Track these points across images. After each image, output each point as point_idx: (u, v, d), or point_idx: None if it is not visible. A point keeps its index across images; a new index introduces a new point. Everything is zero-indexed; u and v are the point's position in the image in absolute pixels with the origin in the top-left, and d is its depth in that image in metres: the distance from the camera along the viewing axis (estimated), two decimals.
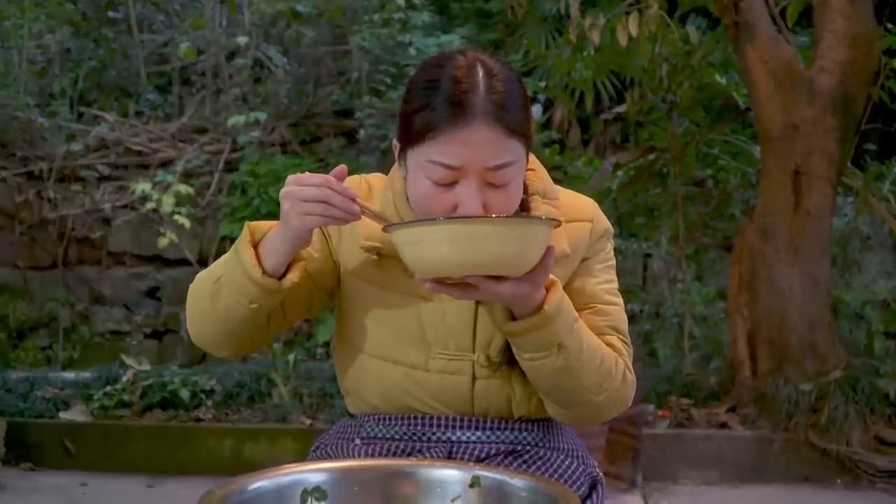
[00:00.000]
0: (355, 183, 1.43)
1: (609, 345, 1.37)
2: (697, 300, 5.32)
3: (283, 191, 1.22)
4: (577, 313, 1.30)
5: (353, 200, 1.22)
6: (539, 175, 1.43)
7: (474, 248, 1.13)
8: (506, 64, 1.31)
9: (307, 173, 1.23)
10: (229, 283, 1.29)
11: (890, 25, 4.63)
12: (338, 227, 1.40)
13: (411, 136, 1.27)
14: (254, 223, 1.31)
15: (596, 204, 1.46)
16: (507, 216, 1.20)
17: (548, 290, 1.25)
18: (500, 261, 1.15)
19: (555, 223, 1.18)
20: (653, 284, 5.95)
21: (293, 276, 1.29)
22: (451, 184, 1.26)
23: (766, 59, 4.24)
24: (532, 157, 1.44)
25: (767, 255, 4.26)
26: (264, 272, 1.27)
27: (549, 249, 1.19)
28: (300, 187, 1.21)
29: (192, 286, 1.37)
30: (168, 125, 6.84)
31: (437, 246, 1.13)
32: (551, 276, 1.25)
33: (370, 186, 1.44)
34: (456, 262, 1.14)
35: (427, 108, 1.25)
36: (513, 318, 1.27)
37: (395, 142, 1.35)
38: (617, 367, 1.35)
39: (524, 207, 1.39)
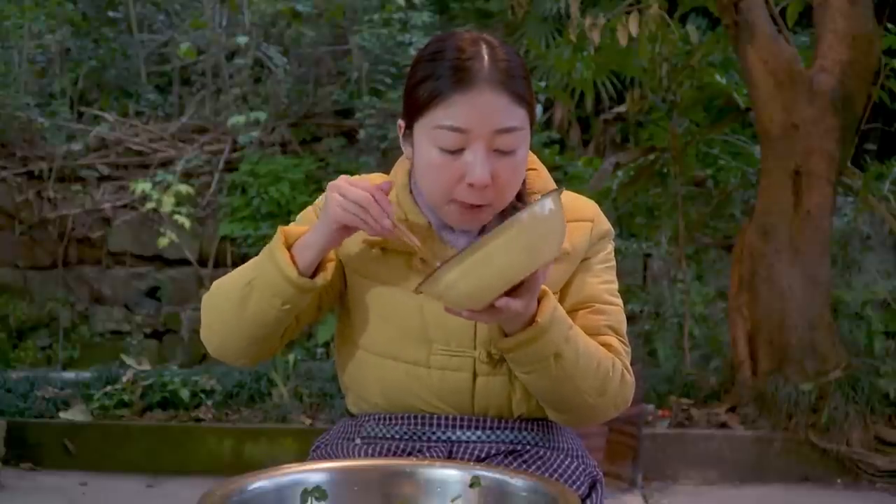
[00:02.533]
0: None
1: (607, 345, 1.37)
2: (697, 300, 5.32)
3: (332, 182, 1.28)
4: (571, 320, 1.31)
5: (390, 218, 1.27)
6: (540, 174, 1.45)
7: (488, 270, 1.14)
8: (506, 43, 1.35)
9: (362, 178, 1.30)
10: (262, 285, 1.31)
11: (890, 25, 4.63)
12: None
13: (417, 107, 1.30)
14: (286, 228, 1.35)
15: (596, 205, 1.47)
16: (503, 227, 1.20)
17: (539, 301, 1.25)
18: (520, 266, 1.16)
19: (559, 194, 1.18)
20: (653, 284, 5.95)
21: (326, 275, 1.33)
22: (459, 151, 1.28)
23: (766, 59, 4.24)
24: (533, 156, 1.45)
25: (767, 255, 4.26)
26: (300, 272, 1.30)
27: (542, 289, 1.23)
28: (348, 185, 1.27)
29: (209, 297, 1.38)
30: (168, 125, 6.83)
31: (460, 283, 1.14)
32: (542, 286, 1.25)
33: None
34: (483, 288, 1.16)
35: (432, 76, 1.28)
36: (505, 335, 1.28)
37: (399, 122, 1.37)
38: (615, 369, 1.35)
39: (521, 200, 1.40)
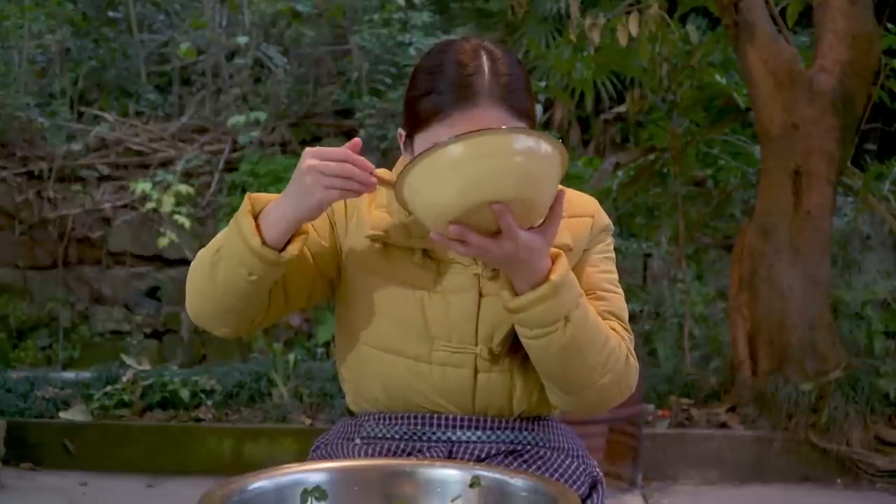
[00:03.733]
0: None
1: (611, 328, 1.37)
2: (697, 300, 5.32)
3: (304, 164, 1.21)
4: (580, 289, 1.29)
5: (371, 173, 1.22)
6: None
7: (484, 166, 1.11)
8: (508, 50, 1.33)
9: (325, 147, 1.23)
10: (228, 254, 1.28)
11: (890, 25, 4.63)
12: (344, 217, 1.40)
13: (418, 121, 1.29)
14: (255, 194, 1.30)
15: (596, 201, 1.47)
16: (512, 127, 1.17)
17: (553, 260, 1.25)
18: (513, 180, 1.12)
19: (560, 147, 1.16)
20: (653, 284, 5.95)
21: (293, 249, 1.28)
22: None
23: (766, 59, 4.24)
24: None
25: (767, 255, 4.26)
26: (264, 243, 1.25)
27: (559, 193, 1.19)
28: (323, 162, 1.21)
29: (192, 263, 1.35)
30: (168, 125, 6.83)
31: (445, 176, 1.12)
32: (554, 248, 1.25)
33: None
34: (470, 192, 1.12)
35: (433, 91, 1.28)
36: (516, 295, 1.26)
37: (399, 131, 1.37)
38: (620, 348, 1.34)
39: None
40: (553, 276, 1.23)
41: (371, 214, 1.39)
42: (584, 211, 1.43)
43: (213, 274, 1.30)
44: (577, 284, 1.29)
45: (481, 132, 1.12)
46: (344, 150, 1.22)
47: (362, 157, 1.23)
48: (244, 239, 1.25)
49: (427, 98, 1.28)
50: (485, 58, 1.29)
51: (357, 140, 1.25)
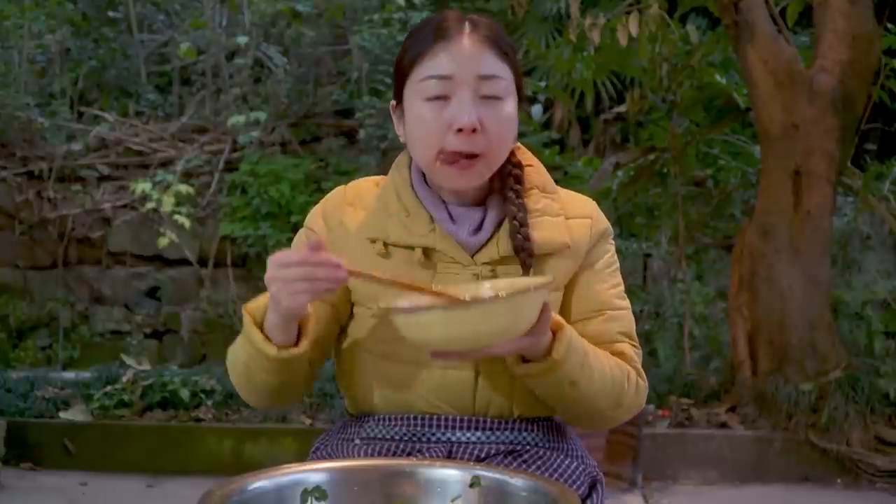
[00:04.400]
0: (339, 196, 1.45)
1: (620, 353, 1.39)
2: (697, 300, 5.32)
3: (267, 275, 1.21)
4: (587, 345, 1.32)
5: (339, 266, 1.19)
6: (538, 170, 1.45)
7: (466, 328, 1.15)
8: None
9: (286, 252, 1.22)
10: (254, 365, 1.33)
11: (890, 25, 4.63)
12: (332, 238, 1.40)
13: (403, 71, 1.34)
14: (250, 306, 1.31)
15: (594, 203, 1.48)
16: (495, 295, 1.21)
17: (555, 333, 1.27)
18: (495, 335, 1.17)
19: (548, 286, 1.20)
20: (653, 284, 5.95)
21: (307, 339, 1.30)
22: (445, 98, 1.30)
23: (766, 59, 4.24)
24: (529, 154, 1.47)
25: (767, 255, 4.26)
26: (279, 347, 1.29)
27: (545, 306, 1.21)
28: (283, 269, 1.19)
29: (228, 367, 1.41)
30: (168, 125, 6.83)
31: (432, 329, 1.16)
32: (557, 317, 1.27)
33: (358, 193, 1.44)
34: (453, 341, 1.17)
35: (414, 42, 1.34)
36: (524, 359, 1.29)
37: (391, 104, 1.41)
38: (629, 381, 1.38)
39: (518, 195, 1.40)
40: (555, 354, 1.26)
41: (369, 218, 1.40)
42: (582, 212, 1.44)
43: (250, 381, 1.37)
44: (582, 344, 1.31)
45: (466, 303, 1.16)
46: (302, 253, 1.19)
47: (325, 255, 1.19)
48: (260, 351, 1.29)
49: (409, 50, 1.34)
50: (462, 14, 1.36)
51: (318, 240, 1.21)
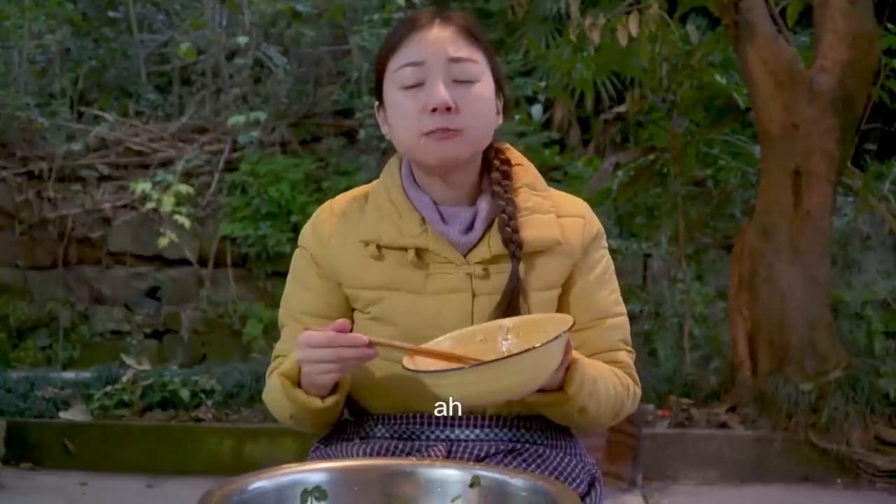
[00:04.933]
0: (326, 211, 1.47)
1: (618, 361, 1.42)
2: (697, 300, 5.32)
3: (298, 356, 1.30)
4: (595, 371, 1.35)
5: (368, 345, 1.26)
6: (527, 169, 1.47)
7: (496, 384, 1.18)
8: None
9: (315, 334, 1.27)
10: (303, 418, 1.40)
11: (890, 25, 4.62)
12: (325, 252, 1.43)
13: (381, 67, 1.39)
14: (283, 370, 1.37)
15: (586, 204, 1.50)
16: (518, 351, 1.21)
17: (568, 366, 1.29)
18: (519, 387, 1.21)
19: (567, 332, 1.21)
20: (653, 284, 5.95)
21: (345, 385, 1.37)
22: (420, 85, 1.35)
23: (766, 59, 4.24)
24: (518, 153, 1.49)
25: (767, 255, 4.26)
26: (323, 398, 1.35)
27: (567, 347, 1.25)
28: (312, 350, 1.27)
29: (271, 407, 1.44)
30: (168, 125, 6.83)
31: (462, 389, 1.19)
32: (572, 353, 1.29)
33: (344, 205, 1.46)
34: (476, 397, 1.20)
35: (389, 38, 1.39)
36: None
37: (375, 105, 1.44)
38: (628, 393, 1.42)
39: (506, 190, 1.42)
40: (568, 390, 1.30)
41: (362, 223, 1.41)
42: (574, 211, 1.45)
43: (302, 425, 1.43)
44: (591, 371, 1.33)
45: (489, 363, 1.17)
46: (329, 334, 1.26)
47: (351, 335, 1.25)
48: (306, 408, 1.36)
49: (384, 46, 1.39)
50: (438, 11, 1.40)
51: (344, 322, 1.27)
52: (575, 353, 1.30)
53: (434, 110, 1.33)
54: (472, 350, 1.28)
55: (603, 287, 1.44)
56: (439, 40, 1.35)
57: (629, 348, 1.46)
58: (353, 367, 1.29)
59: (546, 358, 1.19)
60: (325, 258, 1.42)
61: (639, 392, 1.45)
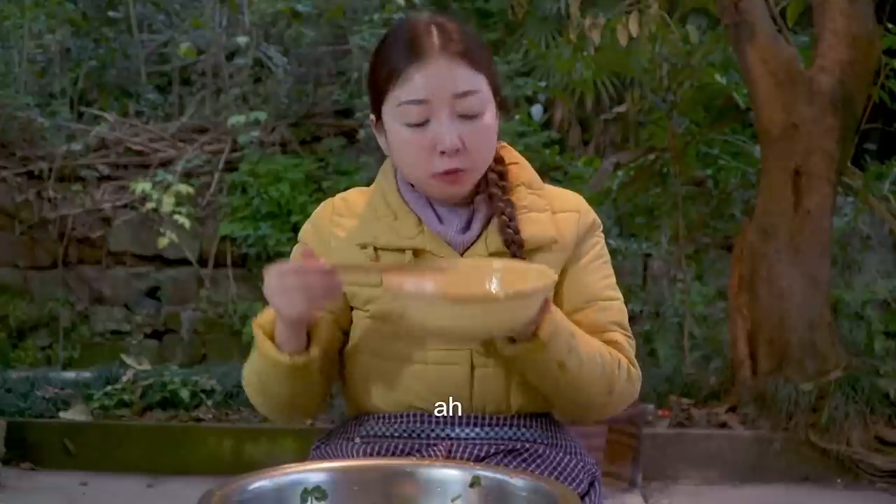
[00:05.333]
0: (328, 208, 1.47)
1: (612, 342, 1.40)
2: (697, 300, 5.32)
3: (265, 287, 1.27)
4: (575, 328, 1.33)
5: (332, 272, 1.26)
6: (523, 167, 1.47)
7: (475, 321, 1.17)
8: (456, 20, 1.40)
9: (281, 263, 1.27)
10: (269, 377, 1.36)
11: (890, 25, 4.62)
12: (324, 249, 1.41)
13: (379, 91, 1.35)
14: (260, 320, 1.35)
15: (581, 198, 1.49)
16: (504, 289, 1.23)
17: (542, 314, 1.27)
18: (498, 328, 1.21)
19: (552, 281, 1.22)
20: (653, 284, 5.95)
21: (317, 343, 1.34)
22: (425, 123, 1.32)
23: (766, 59, 4.24)
24: (514, 151, 1.49)
25: (767, 255, 4.26)
26: (291, 354, 1.32)
27: (545, 301, 1.25)
28: (278, 279, 1.26)
29: (244, 383, 1.44)
30: (168, 125, 6.82)
31: (439, 319, 1.18)
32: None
33: (346, 203, 1.46)
34: (448, 330, 1.21)
35: (387, 59, 1.33)
36: (512, 340, 1.30)
37: (371, 117, 1.42)
38: (620, 368, 1.38)
39: (504, 191, 1.42)
40: (540, 334, 1.27)
41: (359, 223, 1.42)
42: (569, 206, 1.45)
43: (267, 393, 1.40)
44: (569, 326, 1.32)
45: (470, 297, 1.18)
46: (295, 263, 1.27)
47: (317, 262, 1.26)
48: (273, 361, 1.33)
49: (384, 68, 1.34)
50: (435, 22, 1.35)
51: (309, 248, 1.30)
52: (552, 306, 1.29)
53: (443, 152, 1.32)
54: (455, 283, 1.27)
55: (594, 272, 1.43)
56: (443, 74, 1.31)
57: (626, 332, 1.43)
58: (320, 297, 1.26)
59: (523, 304, 1.19)
60: (323, 254, 1.42)
61: (637, 374, 1.41)
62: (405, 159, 1.37)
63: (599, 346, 1.37)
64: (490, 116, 1.36)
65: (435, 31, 1.33)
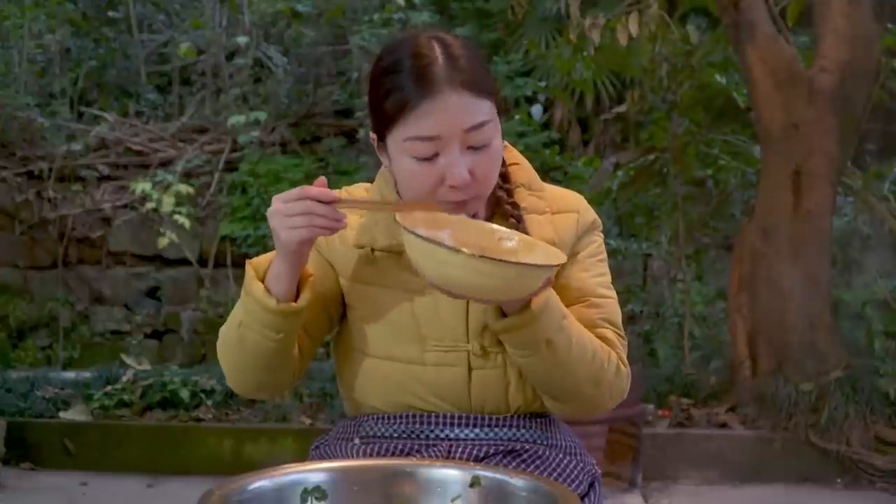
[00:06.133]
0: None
1: (602, 337, 1.39)
2: (697, 300, 5.32)
3: (269, 210, 1.26)
4: (566, 310, 1.33)
5: (337, 201, 1.25)
6: (523, 168, 1.47)
7: (482, 280, 1.16)
8: (459, 36, 1.37)
9: (287, 192, 1.27)
10: (251, 322, 1.32)
11: (890, 25, 4.62)
12: (326, 238, 1.40)
13: (385, 121, 1.32)
14: (254, 260, 1.34)
15: (582, 197, 1.49)
16: (516, 261, 1.22)
17: None
18: (502, 293, 1.20)
19: (557, 266, 1.23)
20: (653, 284, 5.94)
21: (306, 294, 1.32)
22: (434, 156, 1.30)
23: (766, 59, 4.24)
24: (515, 152, 1.49)
25: (767, 255, 4.26)
26: (279, 300, 1.30)
27: (546, 282, 1.24)
28: (283, 203, 1.25)
29: (219, 341, 1.40)
30: (168, 125, 6.83)
31: (446, 268, 1.17)
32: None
33: (350, 196, 1.45)
34: (452, 283, 1.19)
35: (395, 89, 1.30)
36: (503, 315, 1.29)
37: (371, 136, 1.39)
38: (610, 361, 1.37)
39: (509, 193, 1.42)
40: (533, 306, 1.26)
41: (356, 225, 1.41)
42: (568, 207, 1.45)
43: (242, 346, 1.35)
44: (562, 307, 1.32)
45: (484, 258, 1.16)
46: (301, 188, 1.25)
47: (323, 189, 1.26)
48: (260, 304, 1.30)
49: (390, 98, 1.31)
50: (438, 46, 1.32)
51: (321, 179, 1.27)
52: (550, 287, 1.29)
53: (452, 186, 1.31)
54: (467, 239, 1.27)
55: (586, 269, 1.43)
56: (455, 110, 1.28)
57: (617, 331, 1.42)
58: (321, 228, 1.25)
59: (531, 276, 1.19)
60: (323, 245, 1.42)
61: (627, 372, 1.40)
62: (411, 190, 1.34)
63: (591, 336, 1.36)
64: (498, 140, 1.35)
65: (441, 58, 1.30)
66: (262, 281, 1.31)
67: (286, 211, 1.24)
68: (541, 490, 1.12)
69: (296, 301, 1.31)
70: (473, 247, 1.21)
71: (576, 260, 1.43)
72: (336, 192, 1.28)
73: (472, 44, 1.38)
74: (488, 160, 1.32)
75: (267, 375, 1.39)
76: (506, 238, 1.31)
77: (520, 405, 1.39)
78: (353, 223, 1.42)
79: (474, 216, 1.38)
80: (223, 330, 1.39)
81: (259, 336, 1.32)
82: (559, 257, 1.25)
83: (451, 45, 1.32)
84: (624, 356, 1.41)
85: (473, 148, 1.31)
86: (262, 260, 1.34)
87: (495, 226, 1.34)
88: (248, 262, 1.34)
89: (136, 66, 7.30)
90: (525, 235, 1.34)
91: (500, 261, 1.17)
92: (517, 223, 1.38)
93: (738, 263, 4.41)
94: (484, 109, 1.31)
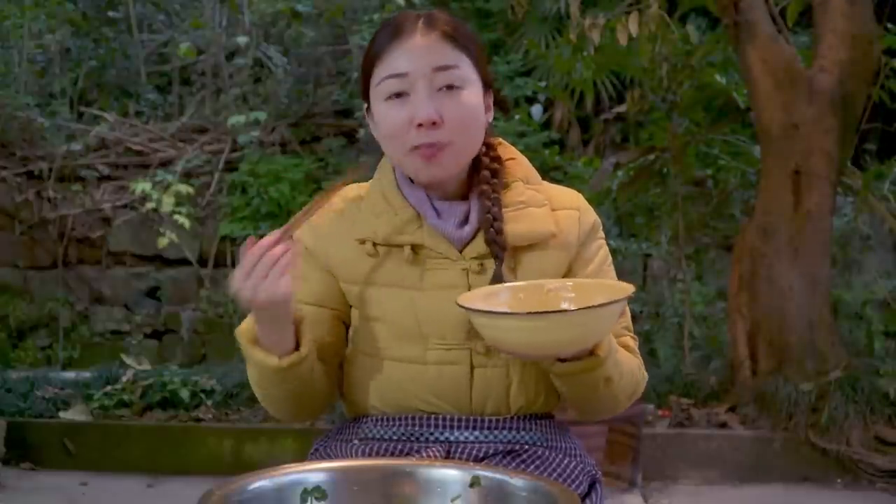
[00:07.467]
0: (324, 210, 1.44)
1: (626, 346, 1.42)
2: (697, 300, 5.32)
3: (233, 289, 1.26)
4: (614, 343, 1.34)
5: (279, 239, 1.24)
6: (520, 163, 1.47)
7: (540, 337, 1.18)
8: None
9: (240, 265, 1.26)
10: (268, 383, 1.35)
11: (890, 25, 4.63)
12: (322, 246, 1.41)
13: (366, 74, 1.38)
14: (241, 328, 1.35)
15: (580, 195, 1.49)
16: (577, 308, 1.22)
17: None
18: (569, 343, 1.21)
19: (629, 296, 1.22)
20: (653, 284, 5.94)
21: (307, 337, 1.33)
22: (404, 95, 1.34)
23: (766, 59, 4.24)
24: (512, 148, 1.49)
25: (767, 255, 4.26)
26: (281, 356, 1.31)
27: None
28: (238, 271, 1.25)
29: (253, 387, 1.42)
30: (168, 125, 6.83)
31: (510, 334, 1.19)
32: None
33: (343, 200, 1.46)
34: (524, 346, 1.21)
35: (373, 44, 1.37)
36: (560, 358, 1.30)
37: (364, 108, 1.44)
38: (641, 375, 1.42)
39: (505, 185, 1.43)
40: (600, 352, 1.27)
41: (357, 222, 1.41)
42: (569, 203, 1.45)
43: (272, 398, 1.39)
44: (613, 343, 1.33)
45: (545, 314, 1.19)
46: (248, 254, 1.25)
47: (264, 241, 1.25)
48: (266, 366, 1.32)
49: (370, 53, 1.37)
50: (422, 13, 1.38)
51: (249, 239, 1.27)
52: None
53: (420, 125, 1.32)
54: (529, 302, 1.28)
55: (604, 276, 1.44)
56: (423, 49, 1.33)
57: (633, 335, 1.46)
58: (287, 265, 1.24)
59: (604, 318, 1.20)
60: (320, 252, 1.42)
61: (646, 376, 1.45)
62: (385, 135, 1.37)
63: (628, 357, 1.40)
64: (472, 95, 1.36)
65: (421, 17, 1.36)
66: (257, 344, 1.32)
67: (243, 276, 1.24)
68: (541, 490, 1.12)
69: (297, 348, 1.32)
70: (533, 305, 1.24)
71: (590, 270, 1.43)
72: (276, 233, 1.26)
73: (461, 19, 1.41)
74: (459, 105, 1.34)
75: (302, 409, 1.42)
76: (559, 288, 1.31)
77: (521, 405, 1.39)
78: (351, 217, 1.42)
79: (468, 202, 1.38)
80: (251, 381, 1.41)
81: (279, 390, 1.36)
82: (626, 289, 1.24)
83: (435, 11, 1.39)
84: (641, 360, 1.45)
85: (444, 90, 1.33)
86: (248, 325, 1.33)
87: (542, 281, 1.34)
88: (236, 332, 1.35)
89: (136, 66, 7.30)
90: (585, 280, 1.36)
91: (581, 309, 1.18)
92: (493, 221, 1.37)
93: (738, 263, 4.41)
94: (456, 58, 1.35)
